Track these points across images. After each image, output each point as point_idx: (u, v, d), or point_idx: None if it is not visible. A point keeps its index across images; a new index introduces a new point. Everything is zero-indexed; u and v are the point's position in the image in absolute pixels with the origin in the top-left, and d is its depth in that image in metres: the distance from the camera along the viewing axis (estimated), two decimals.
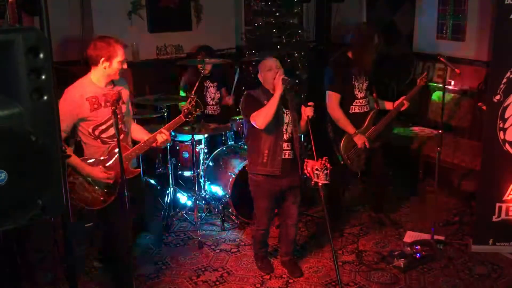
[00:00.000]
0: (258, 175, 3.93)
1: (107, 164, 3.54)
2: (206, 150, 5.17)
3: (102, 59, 3.40)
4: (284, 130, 3.87)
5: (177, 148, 5.25)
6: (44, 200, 2.04)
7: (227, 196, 4.89)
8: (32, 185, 2.00)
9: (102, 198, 3.55)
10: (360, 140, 4.51)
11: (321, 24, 8.11)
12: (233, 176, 4.84)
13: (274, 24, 6.54)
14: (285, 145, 3.87)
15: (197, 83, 4.84)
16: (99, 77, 3.48)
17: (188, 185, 5.31)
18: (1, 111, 1.90)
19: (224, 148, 5.26)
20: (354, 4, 7.81)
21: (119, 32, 6.39)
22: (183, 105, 4.34)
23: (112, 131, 3.49)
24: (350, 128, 4.50)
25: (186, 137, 5.17)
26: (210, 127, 5.14)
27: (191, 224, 4.98)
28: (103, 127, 3.50)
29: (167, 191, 5.14)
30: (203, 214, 5.14)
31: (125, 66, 3.49)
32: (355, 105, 4.56)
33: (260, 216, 4.09)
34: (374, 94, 4.71)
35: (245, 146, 5.32)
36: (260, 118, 3.72)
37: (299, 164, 3.79)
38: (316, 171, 3.45)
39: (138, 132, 3.83)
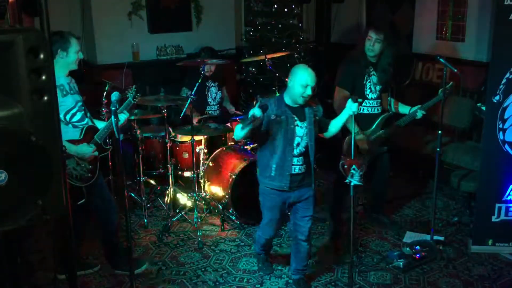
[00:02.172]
0: (266, 187, 3.72)
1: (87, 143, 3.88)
2: (206, 151, 5.17)
3: (59, 50, 3.70)
4: (295, 144, 3.57)
5: (177, 148, 5.26)
6: (44, 200, 2.05)
7: (227, 196, 4.89)
8: (32, 185, 2.00)
9: (90, 174, 3.86)
10: (360, 141, 4.41)
11: (321, 25, 8.13)
12: (233, 176, 4.84)
13: (274, 25, 6.56)
14: (295, 160, 3.59)
15: (198, 83, 4.85)
16: (59, 68, 3.72)
17: (188, 186, 5.31)
18: (1, 112, 1.91)
19: (224, 149, 5.26)
20: (354, 4, 7.82)
21: (120, 32, 6.42)
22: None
23: (78, 115, 3.84)
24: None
25: (186, 138, 5.18)
26: (210, 127, 5.14)
27: (191, 225, 4.98)
28: (72, 112, 3.81)
29: (167, 192, 5.14)
30: (203, 215, 5.14)
31: (80, 55, 3.81)
32: (365, 106, 4.46)
33: (265, 225, 3.90)
34: (389, 97, 4.60)
35: (245, 147, 5.34)
36: (235, 131, 3.54)
37: (313, 179, 3.71)
38: (353, 170, 3.29)
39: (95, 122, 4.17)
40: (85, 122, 3.92)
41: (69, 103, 3.78)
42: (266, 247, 4.18)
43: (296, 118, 3.56)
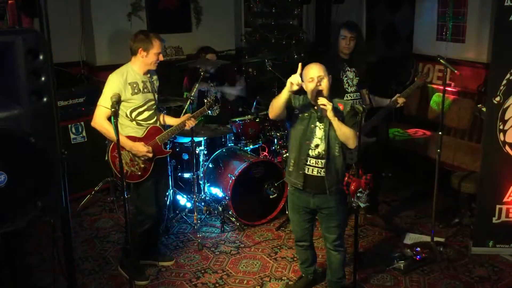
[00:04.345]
0: (289, 184, 3.71)
1: (146, 143, 3.94)
2: (205, 152, 5.16)
3: (140, 49, 3.84)
4: (312, 145, 3.45)
5: (177, 149, 5.24)
6: (44, 202, 2.04)
7: (227, 198, 4.88)
8: (31, 187, 2.00)
9: (139, 173, 3.93)
10: None
11: (321, 26, 8.12)
12: (233, 178, 4.83)
13: (274, 26, 6.55)
14: (312, 161, 3.46)
15: (197, 84, 4.84)
16: (138, 66, 3.92)
17: (188, 187, 5.30)
18: (0, 113, 1.90)
19: (224, 150, 5.25)
20: (354, 5, 7.81)
21: (119, 33, 6.41)
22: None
23: (146, 114, 3.95)
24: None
25: (185, 139, 5.17)
26: (210, 128, 5.13)
27: (191, 226, 4.97)
28: (140, 110, 3.92)
29: (167, 193, 5.12)
30: (203, 216, 5.13)
31: (161, 57, 3.94)
32: (346, 99, 4.52)
33: (291, 226, 3.92)
34: (366, 91, 4.69)
35: (245, 148, 5.34)
36: (269, 108, 3.44)
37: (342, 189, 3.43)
38: (359, 193, 3.20)
39: (168, 118, 4.31)
40: (152, 121, 4.00)
41: (137, 101, 3.87)
42: (303, 259, 3.94)
43: (318, 119, 3.44)
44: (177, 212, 5.11)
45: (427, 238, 4.58)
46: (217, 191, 5.13)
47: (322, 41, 8.09)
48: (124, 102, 3.85)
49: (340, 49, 4.58)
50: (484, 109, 4.45)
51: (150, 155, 3.91)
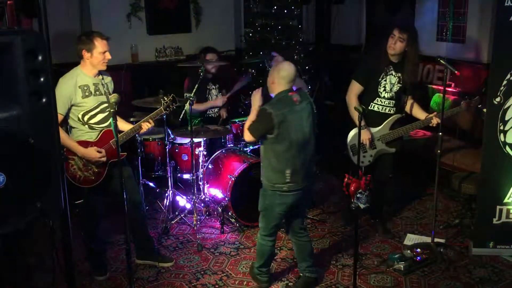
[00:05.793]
0: None
1: (100, 148, 3.88)
2: (205, 153, 5.15)
3: (84, 51, 3.79)
4: None
5: (176, 150, 5.23)
6: (43, 203, 2.03)
7: (227, 199, 4.87)
8: (30, 188, 1.99)
9: (93, 178, 3.89)
10: (364, 136, 4.38)
11: (321, 26, 8.12)
12: (233, 179, 4.82)
13: (274, 26, 6.55)
14: None
15: (197, 85, 4.83)
16: (87, 68, 3.86)
17: (187, 188, 5.29)
18: None
19: (224, 151, 5.24)
20: (354, 5, 7.81)
21: (118, 34, 6.40)
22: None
23: (99, 117, 3.88)
24: (357, 120, 4.43)
25: (185, 140, 5.15)
26: (210, 129, 5.12)
27: (190, 227, 4.96)
28: (92, 113, 3.85)
29: (166, 194, 5.12)
30: (202, 217, 5.12)
31: (107, 56, 3.84)
32: (376, 103, 4.47)
33: None
34: (410, 98, 4.59)
35: (245, 149, 5.33)
36: None
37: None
38: (359, 194, 3.21)
39: (120, 122, 4.13)
40: (105, 124, 3.91)
41: (89, 104, 3.82)
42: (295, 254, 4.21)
43: None
44: (177, 213, 5.10)
45: (427, 239, 4.56)
46: (216, 192, 5.12)
47: (322, 41, 8.09)
48: (75, 106, 3.79)
49: (387, 48, 4.40)
50: (484, 109, 4.44)
51: (104, 159, 3.85)
